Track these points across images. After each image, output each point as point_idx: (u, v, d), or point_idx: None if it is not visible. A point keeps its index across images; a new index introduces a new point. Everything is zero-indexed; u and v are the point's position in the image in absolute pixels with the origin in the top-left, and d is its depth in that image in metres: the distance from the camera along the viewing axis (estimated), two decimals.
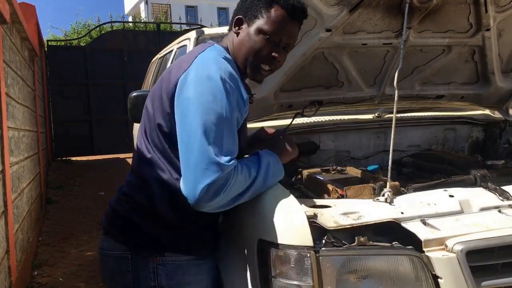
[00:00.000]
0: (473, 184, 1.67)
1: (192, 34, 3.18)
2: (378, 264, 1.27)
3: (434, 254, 1.25)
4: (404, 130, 2.41)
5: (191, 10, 28.09)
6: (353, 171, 1.91)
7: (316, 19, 1.80)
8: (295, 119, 2.10)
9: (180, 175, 1.32)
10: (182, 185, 1.28)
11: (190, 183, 1.25)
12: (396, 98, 1.55)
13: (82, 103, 9.23)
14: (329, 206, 1.40)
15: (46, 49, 8.88)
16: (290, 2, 1.39)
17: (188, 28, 8.83)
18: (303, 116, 2.12)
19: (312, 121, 2.30)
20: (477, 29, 2.04)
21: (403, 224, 1.32)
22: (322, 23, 1.82)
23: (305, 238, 1.25)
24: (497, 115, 2.57)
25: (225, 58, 1.39)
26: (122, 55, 9.36)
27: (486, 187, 1.54)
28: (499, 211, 1.41)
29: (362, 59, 2.08)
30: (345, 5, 1.77)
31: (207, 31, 3.23)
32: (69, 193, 6.71)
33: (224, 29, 3.27)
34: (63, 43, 10.19)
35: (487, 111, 2.62)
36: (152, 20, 19.24)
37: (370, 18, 1.86)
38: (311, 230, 1.26)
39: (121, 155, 9.22)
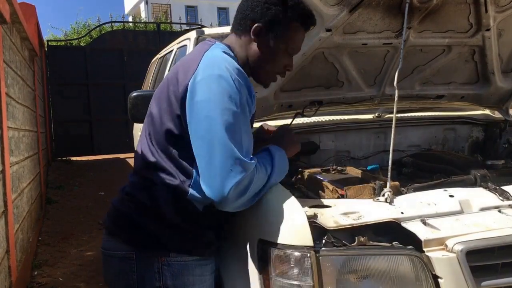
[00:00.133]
0: (473, 184, 1.67)
1: (192, 34, 3.18)
2: (378, 264, 1.27)
3: (434, 254, 1.26)
4: (404, 130, 2.41)
5: (191, 10, 28.09)
6: (353, 171, 1.91)
7: (316, 19, 1.80)
8: (295, 119, 2.10)
9: (187, 177, 1.33)
10: (205, 187, 1.27)
11: (217, 184, 1.25)
12: (396, 98, 1.55)
13: (82, 103, 9.23)
14: (329, 206, 1.40)
15: (46, 49, 8.88)
16: (309, 21, 1.45)
17: (188, 28, 8.83)
18: (303, 116, 2.12)
19: (312, 121, 2.30)
20: (477, 29, 2.04)
21: (403, 224, 1.32)
22: (322, 23, 1.82)
23: (305, 238, 1.25)
24: (497, 115, 2.57)
25: (229, 56, 1.38)
26: (122, 55, 9.36)
27: (486, 187, 1.54)
28: (499, 211, 1.41)
29: (362, 59, 2.08)
30: (345, 5, 1.77)
31: (207, 31, 3.23)
32: (69, 193, 6.71)
33: (224, 29, 3.28)
34: (63, 43, 10.19)
35: (487, 111, 2.62)
36: (152, 20, 19.25)
37: (370, 18, 1.86)
38: (311, 230, 1.26)
39: (121, 155, 9.22)
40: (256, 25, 1.39)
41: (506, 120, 2.47)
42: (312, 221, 1.28)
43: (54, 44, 9.58)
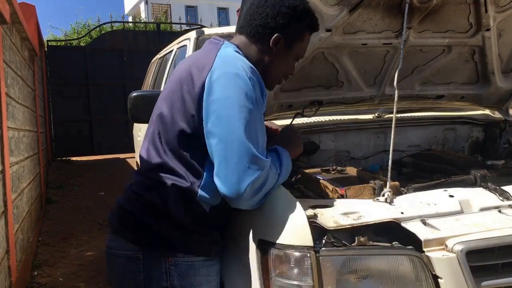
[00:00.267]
0: (473, 184, 1.67)
1: (192, 34, 3.18)
2: (378, 264, 1.27)
3: (434, 254, 1.26)
4: (404, 130, 2.40)
5: (191, 10, 28.08)
6: (353, 171, 1.90)
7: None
8: (295, 119, 2.10)
9: (197, 178, 1.34)
10: (221, 184, 1.27)
11: (234, 181, 1.25)
12: (396, 98, 1.55)
13: (82, 103, 9.23)
14: (329, 206, 1.40)
15: (46, 49, 8.88)
16: (317, 28, 1.51)
17: (188, 28, 8.85)
18: (303, 116, 2.12)
19: (312, 121, 2.30)
20: (477, 29, 2.04)
21: (403, 224, 1.32)
22: (322, 23, 1.81)
23: (305, 238, 1.25)
24: (497, 115, 2.57)
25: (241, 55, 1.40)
26: (122, 55, 9.36)
27: (486, 187, 1.54)
28: (499, 211, 1.41)
29: (362, 59, 2.08)
30: (345, 5, 1.77)
31: (207, 31, 3.23)
32: (69, 193, 6.71)
33: (224, 29, 3.28)
34: (63, 43, 10.20)
35: (487, 111, 2.62)
36: (152, 20, 19.25)
37: (370, 18, 1.86)
38: (311, 230, 1.26)
39: (121, 155, 9.22)
40: (276, 35, 1.42)
41: (506, 120, 2.47)
42: (312, 221, 1.28)
43: (54, 44, 9.58)
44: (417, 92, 2.33)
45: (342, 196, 1.55)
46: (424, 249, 1.27)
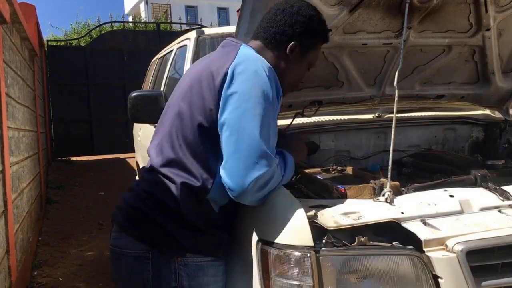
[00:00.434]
0: (473, 184, 1.66)
1: (192, 34, 3.17)
2: (378, 264, 1.27)
3: (434, 254, 1.25)
4: (404, 130, 2.40)
5: (191, 10, 28.09)
6: (353, 171, 1.90)
7: None
8: (295, 119, 2.10)
9: (210, 177, 1.34)
10: (226, 176, 1.29)
11: (240, 174, 1.26)
12: (396, 98, 1.55)
13: (82, 103, 9.23)
14: (329, 206, 1.40)
15: (46, 49, 8.88)
16: (329, 39, 1.58)
17: (188, 28, 8.84)
18: (303, 116, 2.12)
19: (312, 121, 2.30)
20: (477, 29, 2.04)
21: (403, 224, 1.32)
22: None
23: (305, 238, 1.25)
24: (497, 115, 2.57)
25: None
26: (122, 55, 9.36)
27: (486, 187, 1.54)
28: (499, 211, 1.41)
29: (362, 59, 2.08)
30: (345, 5, 1.77)
31: (207, 31, 3.23)
32: (69, 193, 6.71)
33: (224, 29, 3.28)
34: (63, 43, 10.20)
35: (487, 111, 2.62)
36: (152, 20, 19.25)
37: (370, 18, 1.86)
38: (311, 230, 1.26)
39: (121, 155, 9.22)
40: (293, 43, 1.47)
41: (506, 120, 2.47)
42: (312, 221, 1.28)
43: (54, 44, 9.58)
44: (417, 92, 2.33)
45: (342, 196, 1.55)
46: (424, 249, 1.26)
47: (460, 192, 1.48)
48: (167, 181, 1.38)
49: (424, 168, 2.04)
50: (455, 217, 1.38)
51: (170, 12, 24.85)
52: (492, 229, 1.32)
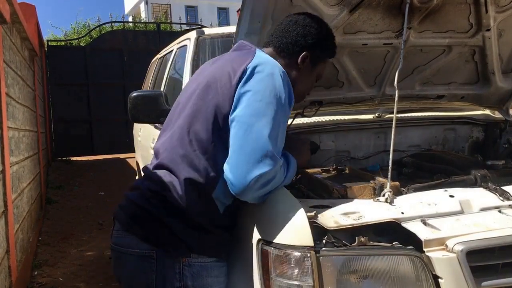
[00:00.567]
0: (473, 184, 1.66)
1: (192, 34, 3.17)
2: (378, 264, 1.27)
3: (434, 254, 1.25)
4: (404, 130, 2.40)
5: (191, 10, 28.10)
6: (353, 171, 1.90)
7: None
8: (295, 119, 2.10)
9: (217, 174, 1.35)
10: (229, 170, 1.30)
11: (243, 171, 1.28)
12: (396, 98, 1.55)
13: (82, 103, 9.23)
14: (329, 206, 1.40)
15: (46, 49, 8.88)
16: (335, 54, 1.66)
17: (188, 28, 8.82)
18: (303, 116, 2.12)
19: (312, 121, 2.30)
20: (478, 29, 2.04)
21: (404, 224, 1.32)
22: None
23: (305, 238, 1.25)
24: (497, 115, 2.57)
25: None
26: (122, 55, 9.36)
27: (486, 187, 1.54)
28: (500, 211, 1.41)
29: (362, 59, 2.08)
30: (346, 5, 1.77)
31: (207, 31, 3.23)
32: (69, 193, 6.71)
33: (224, 29, 3.27)
34: (63, 43, 10.19)
35: (487, 111, 2.62)
36: (152, 20, 19.26)
37: (371, 18, 1.86)
38: (311, 230, 1.26)
39: (121, 155, 9.22)
40: (305, 53, 1.53)
41: (506, 120, 2.47)
42: (312, 221, 1.28)
43: (54, 44, 9.58)
44: (417, 92, 2.33)
45: (342, 196, 1.55)
46: (425, 249, 1.26)
47: (460, 192, 1.49)
48: (173, 178, 1.38)
49: (424, 168, 2.04)
50: (455, 217, 1.38)
51: (170, 12, 24.85)
52: (492, 229, 1.32)
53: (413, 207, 1.39)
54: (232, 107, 1.35)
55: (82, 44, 10.28)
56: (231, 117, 1.34)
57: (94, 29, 10.92)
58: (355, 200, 1.49)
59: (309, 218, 1.28)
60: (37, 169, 5.11)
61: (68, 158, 9.25)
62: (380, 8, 1.81)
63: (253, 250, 1.36)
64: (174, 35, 6.52)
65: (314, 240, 1.25)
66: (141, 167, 4.25)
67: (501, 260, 1.28)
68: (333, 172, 1.92)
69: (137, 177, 5.00)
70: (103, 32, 10.27)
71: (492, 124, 2.50)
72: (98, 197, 6.46)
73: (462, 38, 2.07)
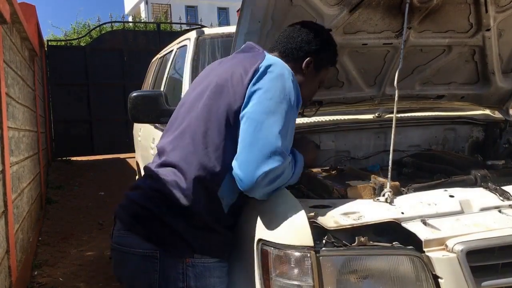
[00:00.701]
0: (473, 184, 1.66)
1: (192, 34, 3.17)
2: (378, 264, 1.27)
3: (434, 254, 1.26)
4: (404, 130, 2.40)
5: (191, 10, 28.10)
6: (353, 171, 1.90)
7: (316, 19, 1.80)
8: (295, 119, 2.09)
9: (224, 171, 1.36)
10: (238, 166, 1.31)
11: (252, 167, 1.29)
12: (396, 98, 1.55)
13: (82, 103, 9.22)
14: (329, 206, 1.40)
15: (46, 49, 8.88)
16: (336, 63, 1.73)
17: (188, 28, 8.83)
18: (303, 116, 2.12)
19: (312, 121, 2.30)
20: (477, 29, 2.04)
21: (404, 224, 1.32)
22: (323, 23, 1.81)
23: (305, 238, 1.25)
24: (497, 115, 2.57)
25: None
26: (122, 55, 9.35)
27: (486, 187, 1.54)
28: (500, 211, 1.41)
29: (362, 59, 2.08)
30: (345, 5, 1.77)
31: (207, 31, 3.22)
32: (69, 193, 6.71)
33: (224, 29, 3.27)
34: (63, 43, 10.19)
35: (487, 111, 2.62)
36: (152, 20, 19.26)
37: (371, 18, 1.86)
38: (311, 230, 1.26)
39: (121, 155, 9.22)
40: (309, 58, 1.58)
41: (506, 120, 2.47)
42: (312, 221, 1.28)
43: (54, 44, 9.58)
44: (417, 92, 2.33)
45: (342, 196, 1.55)
46: (425, 249, 1.26)
47: (460, 192, 1.49)
48: (178, 177, 1.38)
49: (424, 168, 2.04)
50: (455, 217, 1.38)
51: (170, 12, 24.85)
52: (492, 229, 1.32)
53: (413, 207, 1.39)
54: (243, 105, 1.37)
55: (82, 44, 10.28)
56: (241, 114, 1.37)
57: (94, 29, 10.91)
58: (355, 200, 1.49)
59: (309, 218, 1.28)
60: (37, 169, 5.11)
61: (68, 158, 9.25)
62: (380, 8, 1.81)
63: (253, 250, 1.36)
64: (174, 35, 6.52)
65: (314, 240, 1.25)
66: (141, 167, 4.25)
67: (501, 260, 1.28)
68: (333, 172, 1.92)
69: (137, 177, 5.00)
70: (103, 32, 10.26)
71: (492, 124, 2.50)
72: (98, 197, 6.45)
73: (462, 38, 2.07)
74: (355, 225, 1.30)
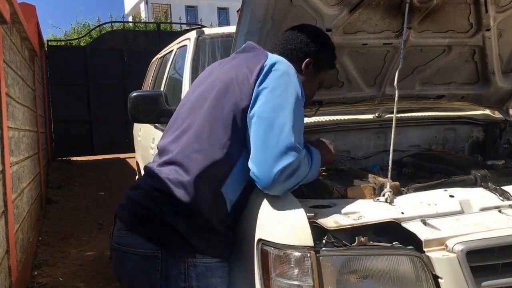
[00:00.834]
0: (473, 184, 1.67)
1: (192, 34, 3.17)
2: (378, 264, 1.27)
3: (434, 254, 1.26)
4: (404, 130, 2.40)
5: (191, 10, 28.10)
6: (353, 171, 1.90)
7: (316, 19, 1.80)
8: None
9: (229, 167, 1.37)
10: (254, 166, 1.33)
11: (269, 164, 1.30)
12: (396, 98, 1.56)
13: (82, 103, 9.22)
14: (329, 206, 1.40)
15: (46, 49, 8.88)
16: (335, 66, 1.76)
17: (188, 28, 8.83)
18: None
19: (312, 121, 2.30)
20: (477, 29, 2.04)
21: (404, 224, 1.32)
22: (323, 23, 1.82)
23: (305, 238, 1.25)
24: (497, 115, 2.57)
25: None
26: (122, 55, 9.35)
27: (486, 187, 1.54)
28: (499, 211, 1.41)
29: (362, 59, 2.08)
30: (345, 5, 1.77)
31: (207, 31, 3.22)
32: (69, 193, 6.71)
33: (224, 29, 3.27)
34: (63, 43, 10.19)
35: (487, 111, 2.62)
36: (152, 20, 19.25)
37: (371, 18, 1.86)
38: (311, 230, 1.26)
39: (121, 155, 9.22)
40: (308, 59, 1.61)
41: (506, 120, 2.47)
42: (312, 221, 1.28)
43: (54, 44, 9.57)
44: (417, 92, 2.33)
45: (342, 196, 1.55)
46: (425, 249, 1.26)
47: (460, 192, 1.49)
48: (181, 175, 1.37)
49: (424, 168, 2.04)
50: (455, 217, 1.38)
51: (170, 12, 24.85)
52: (492, 229, 1.32)
53: (413, 207, 1.39)
54: (251, 104, 1.38)
55: (82, 44, 10.27)
56: (250, 114, 1.37)
57: (94, 29, 10.91)
58: (355, 200, 1.49)
59: (309, 218, 1.28)
60: (37, 169, 5.11)
61: (68, 158, 9.24)
62: (380, 8, 1.81)
63: (253, 250, 1.36)
64: (174, 35, 6.52)
65: (314, 240, 1.25)
66: (141, 167, 4.25)
67: (501, 260, 1.28)
68: (333, 172, 1.92)
69: (137, 177, 5.00)
70: (103, 32, 10.26)
71: (492, 124, 2.50)
72: (98, 197, 6.45)
73: (462, 38, 2.07)
74: (355, 225, 1.30)
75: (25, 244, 3.60)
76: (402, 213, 1.36)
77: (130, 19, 22.09)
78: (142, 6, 29.12)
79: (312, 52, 1.61)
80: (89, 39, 10.15)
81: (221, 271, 1.43)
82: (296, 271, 1.25)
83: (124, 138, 8.72)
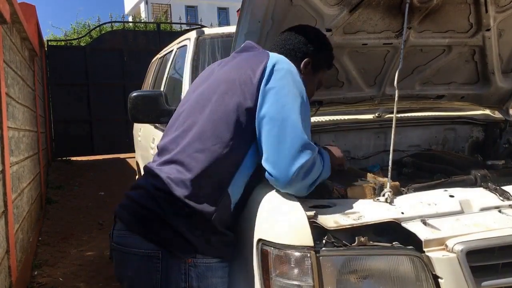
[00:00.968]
0: (473, 184, 1.66)
1: (192, 34, 3.17)
2: (378, 264, 1.27)
3: (434, 254, 1.26)
4: (404, 130, 2.40)
5: (191, 10, 28.10)
6: (353, 171, 1.90)
7: (316, 19, 1.80)
8: None
9: (235, 167, 1.38)
10: (271, 167, 1.34)
11: (286, 164, 1.31)
12: (396, 98, 1.55)
13: (82, 103, 9.22)
14: (329, 206, 1.40)
15: (46, 49, 8.88)
16: (332, 66, 1.78)
17: (188, 28, 8.84)
18: None
19: (312, 121, 2.30)
20: (477, 29, 2.04)
21: (404, 224, 1.32)
22: (323, 23, 1.82)
23: (305, 238, 1.25)
24: (497, 115, 2.57)
25: None
26: (122, 55, 9.35)
27: (486, 187, 1.54)
28: (500, 211, 1.41)
29: (362, 59, 2.08)
30: (345, 5, 1.77)
31: (207, 31, 3.22)
32: (69, 193, 6.71)
33: (224, 29, 3.27)
34: (63, 43, 10.19)
35: (487, 111, 2.62)
36: (152, 20, 19.26)
37: (371, 18, 1.86)
38: (311, 230, 1.26)
39: (121, 155, 9.22)
40: (307, 59, 1.62)
41: (506, 120, 2.47)
42: (312, 221, 1.28)
43: (54, 44, 9.57)
44: (417, 92, 2.33)
45: (342, 196, 1.55)
46: (425, 249, 1.26)
47: (460, 192, 1.49)
48: (183, 174, 1.37)
49: (424, 168, 2.04)
50: (455, 217, 1.38)
51: (170, 12, 24.86)
52: (492, 229, 1.32)
53: (413, 207, 1.39)
54: (259, 105, 1.38)
55: (82, 44, 10.28)
56: (259, 115, 1.38)
57: (94, 29, 10.91)
58: (355, 200, 1.49)
59: (309, 218, 1.28)
60: (37, 169, 5.11)
61: (68, 158, 9.24)
62: (380, 8, 1.81)
63: (253, 250, 1.36)
64: (174, 35, 6.52)
65: (314, 240, 1.25)
66: (141, 167, 4.25)
67: (501, 260, 1.28)
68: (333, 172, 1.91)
69: (137, 177, 5.00)
70: (103, 32, 10.26)
71: (492, 124, 2.50)
72: (98, 197, 6.46)
73: (462, 38, 2.07)
74: (355, 225, 1.30)
75: (25, 244, 3.60)
76: (402, 213, 1.36)
77: (130, 19, 22.09)
78: (142, 6, 29.13)
79: (311, 52, 1.62)
80: (89, 39, 10.15)
81: (222, 271, 1.43)
82: (296, 271, 1.25)
83: (124, 138, 8.72)
